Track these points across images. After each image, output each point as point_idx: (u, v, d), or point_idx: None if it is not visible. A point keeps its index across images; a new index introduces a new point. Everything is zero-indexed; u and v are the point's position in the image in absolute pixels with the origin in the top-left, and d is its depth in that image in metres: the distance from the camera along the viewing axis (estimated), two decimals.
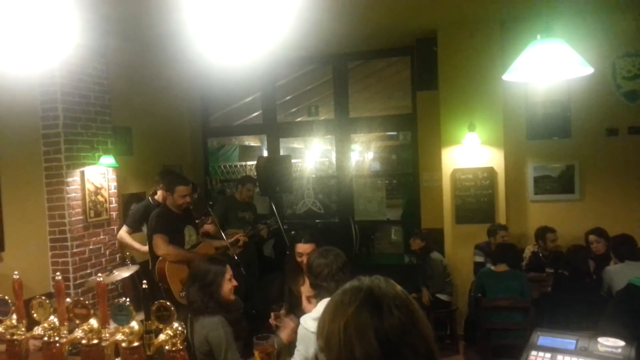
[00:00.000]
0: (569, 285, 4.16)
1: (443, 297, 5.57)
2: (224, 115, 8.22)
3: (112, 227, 5.29)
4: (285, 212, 7.52)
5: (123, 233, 5.21)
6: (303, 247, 3.54)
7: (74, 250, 4.85)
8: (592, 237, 5.01)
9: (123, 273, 4.56)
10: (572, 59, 1.84)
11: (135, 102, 6.09)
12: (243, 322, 3.18)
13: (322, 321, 1.17)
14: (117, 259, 5.32)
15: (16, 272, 1.99)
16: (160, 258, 4.32)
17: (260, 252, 6.57)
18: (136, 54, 6.04)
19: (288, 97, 8.64)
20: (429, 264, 5.59)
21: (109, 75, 5.35)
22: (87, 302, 2.02)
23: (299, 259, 3.57)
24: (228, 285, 3.04)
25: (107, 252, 5.22)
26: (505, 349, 4.40)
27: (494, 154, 5.79)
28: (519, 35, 5.41)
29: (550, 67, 1.89)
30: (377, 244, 7.92)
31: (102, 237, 5.16)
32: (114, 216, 5.33)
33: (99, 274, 2.22)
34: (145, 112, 6.25)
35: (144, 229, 5.07)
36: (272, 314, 3.06)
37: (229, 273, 3.08)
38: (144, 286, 2.02)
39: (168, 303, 1.98)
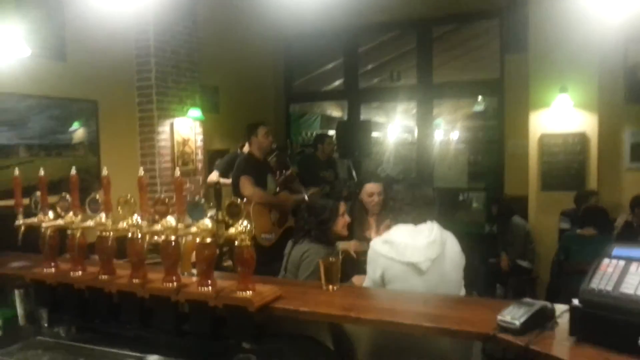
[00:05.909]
0: None
1: (524, 263, 5.35)
2: (306, 82, 8.32)
3: (198, 177, 5.58)
4: (362, 177, 7.51)
5: (214, 175, 5.44)
6: (373, 187, 3.73)
7: (163, 195, 5.16)
8: None
9: None
10: None
11: (223, 62, 6.34)
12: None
13: None
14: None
15: (105, 168, 2.16)
16: (245, 200, 4.45)
17: None
18: (225, 14, 6.26)
19: (370, 66, 8.57)
20: (510, 229, 5.40)
21: (198, 33, 5.60)
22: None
23: (368, 199, 3.70)
24: (342, 221, 3.13)
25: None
26: None
27: (587, 118, 5.44)
28: None
29: None
30: (457, 212, 7.73)
31: (188, 185, 5.46)
32: (199, 167, 5.61)
33: (177, 168, 2.35)
34: (232, 72, 6.50)
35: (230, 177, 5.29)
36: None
37: (342, 208, 3.17)
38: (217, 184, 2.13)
39: (239, 200, 2.06)
